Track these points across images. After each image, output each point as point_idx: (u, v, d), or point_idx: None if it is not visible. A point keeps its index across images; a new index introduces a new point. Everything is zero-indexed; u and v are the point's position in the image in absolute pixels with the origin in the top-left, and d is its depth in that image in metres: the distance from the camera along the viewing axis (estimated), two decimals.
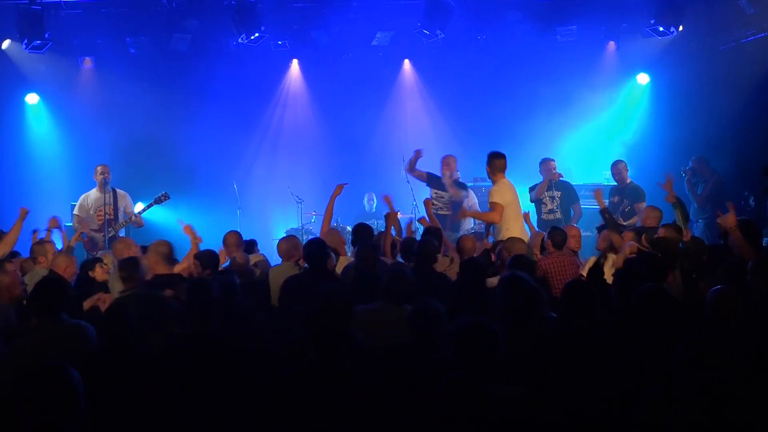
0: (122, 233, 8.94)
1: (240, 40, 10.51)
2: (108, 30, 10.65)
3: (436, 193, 9.22)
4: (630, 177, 9.34)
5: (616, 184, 9.48)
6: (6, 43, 10.73)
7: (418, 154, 9.24)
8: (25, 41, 10.14)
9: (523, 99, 11.00)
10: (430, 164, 9.52)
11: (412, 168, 9.32)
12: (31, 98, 11.54)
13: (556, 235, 6.70)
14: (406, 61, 12.09)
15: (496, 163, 7.71)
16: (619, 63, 11.27)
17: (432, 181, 9.36)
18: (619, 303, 4.75)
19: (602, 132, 11.52)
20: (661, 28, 10.23)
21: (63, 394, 3.06)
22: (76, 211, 9.11)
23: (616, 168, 9.41)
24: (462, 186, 9.44)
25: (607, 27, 10.92)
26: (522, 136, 11.02)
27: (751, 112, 9.89)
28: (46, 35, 10.13)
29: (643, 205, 8.86)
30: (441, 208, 9.11)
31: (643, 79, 11.34)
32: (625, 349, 3.98)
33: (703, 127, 10.07)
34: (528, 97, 10.98)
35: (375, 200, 11.29)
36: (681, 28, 10.25)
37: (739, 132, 9.87)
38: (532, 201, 9.52)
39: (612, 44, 11.19)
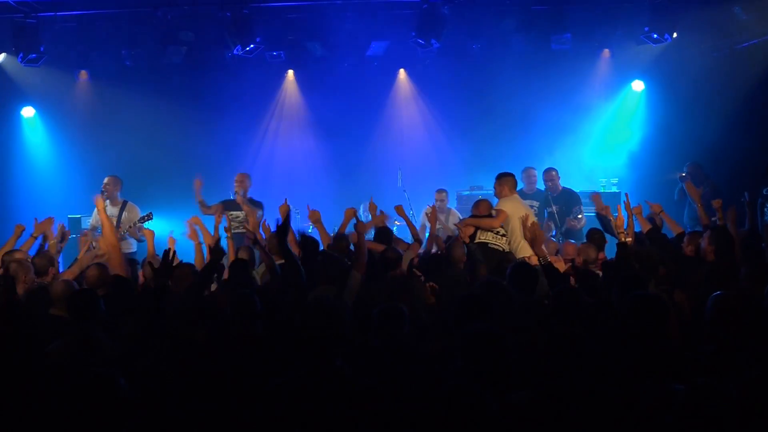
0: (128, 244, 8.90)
1: (235, 52, 10.53)
2: (103, 42, 10.68)
3: (230, 215, 8.71)
4: (624, 182, 9.30)
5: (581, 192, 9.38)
6: (1, 57, 10.77)
7: (197, 183, 9.01)
8: (21, 54, 10.20)
9: (518, 108, 11.00)
10: (424, 174, 9.44)
11: (203, 207, 8.93)
12: (27, 111, 11.58)
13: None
14: (401, 71, 12.10)
15: (506, 180, 7.68)
16: (614, 70, 11.27)
17: (226, 205, 9.01)
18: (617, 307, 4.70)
19: (598, 139, 11.52)
20: (655, 35, 10.25)
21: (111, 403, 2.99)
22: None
23: (549, 175, 9.36)
24: (256, 203, 9.12)
25: (601, 35, 10.86)
26: (517, 145, 11.02)
27: (745, 117, 9.90)
28: (42, 48, 10.20)
29: (579, 208, 8.92)
30: (237, 227, 8.68)
31: (638, 86, 11.36)
32: (619, 354, 3.94)
33: (698, 133, 10.07)
34: (523, 105, 10.98)
35: None
36: (675, 34, 10.27)
37: (735, 137, 9.86)
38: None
39: (606, 52, 11.19)
